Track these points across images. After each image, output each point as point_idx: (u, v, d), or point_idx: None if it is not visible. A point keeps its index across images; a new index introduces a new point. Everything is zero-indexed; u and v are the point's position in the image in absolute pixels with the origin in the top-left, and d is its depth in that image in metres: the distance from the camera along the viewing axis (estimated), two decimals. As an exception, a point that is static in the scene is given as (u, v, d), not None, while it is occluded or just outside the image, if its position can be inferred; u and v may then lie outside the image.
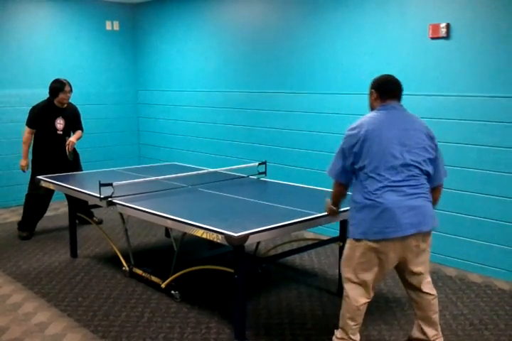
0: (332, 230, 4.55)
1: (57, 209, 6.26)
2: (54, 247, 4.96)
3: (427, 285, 2.87)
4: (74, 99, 5.34)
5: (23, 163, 5.23)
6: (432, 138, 2.77)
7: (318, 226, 3.70)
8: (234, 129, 6.17)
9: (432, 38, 4.31)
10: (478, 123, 4.14)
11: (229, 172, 4.79)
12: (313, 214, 3.24)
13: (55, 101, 5.15)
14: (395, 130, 2.68)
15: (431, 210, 2.74)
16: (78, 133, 5.41)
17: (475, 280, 4.15)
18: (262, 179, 4.58)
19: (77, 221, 4.90)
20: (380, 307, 3.64)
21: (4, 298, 3.80)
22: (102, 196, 3.71)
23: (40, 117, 5.13)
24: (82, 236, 5.19)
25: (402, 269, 2.84)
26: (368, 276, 2.76)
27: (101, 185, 3.69)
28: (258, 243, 4.33)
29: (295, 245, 4.50)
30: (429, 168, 2.73)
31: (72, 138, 5.26)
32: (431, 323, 2.90)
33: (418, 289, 2.86)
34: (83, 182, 4.70)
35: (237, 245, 2.87)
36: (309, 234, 5.22)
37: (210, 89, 6.44)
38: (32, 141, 5.22)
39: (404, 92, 4.49)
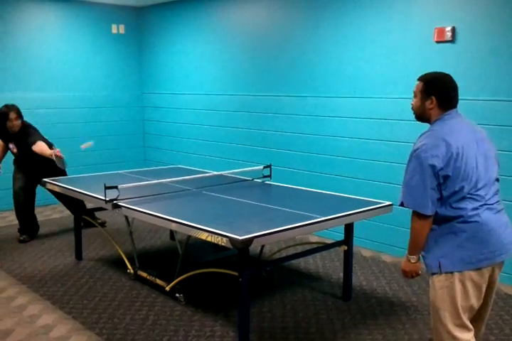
0: (337, 234, 4.54)
1: (62, 212, 6.28)
2: (59, 250, 4.98)
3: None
4: (80, 102, 5.34)
5: None
6: (493, 145, 2.52)
7: (323, 230, 3.69)
8: (239, 132, 6.17)
9: (437, 42, 4.31)
10: (483, 127, 4.11)
11: (234, 176, 4.79)
12: (317, 218, 3.23)
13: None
14: (473, 142, 2.35)
15: None
16: (39, 148, 4.84)
17: (480, 284, 4.13)
18: (266, 182, 4.58)
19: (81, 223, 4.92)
20: (384, 311, 3.63)
21: (9, 300, 3.82)
22: (107, 199, 3.72)
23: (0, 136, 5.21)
24: (87, 238, 5.20)
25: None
26: (470, 315, 2.39)
27: (106, 187, 3.70)
28: (262, 246, 4.33)
29: (299, 248, 4.49)
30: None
31: (53, 151, 4.67)
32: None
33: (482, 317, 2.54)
34: (88, 184, 4.71)
35: (241, 248, 2.87)
36: (314, 237, 5.22)
37: (215, 92, 6.46)
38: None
39: (409, 96, 4.49)
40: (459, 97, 2.52)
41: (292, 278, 4.30)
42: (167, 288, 3.79)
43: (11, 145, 5.19)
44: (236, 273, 3.14)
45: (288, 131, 5.62)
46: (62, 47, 6.79)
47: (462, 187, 2.28)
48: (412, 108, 2.52)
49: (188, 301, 3.77)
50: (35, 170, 5.20)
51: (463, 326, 2.35)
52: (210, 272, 3.68)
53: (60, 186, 4.43)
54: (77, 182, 4.68)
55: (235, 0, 6.04)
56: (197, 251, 4.60)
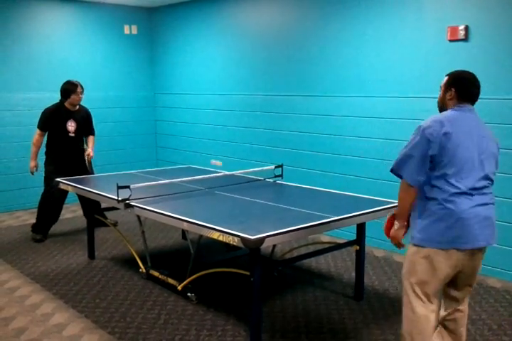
0: (348, 233, 4.53)
1: (75, 212, 6.32)
2: (72, 249, 5.01)
3: (467, 301, 2.74)
4: (92, 102, 5.39)
5: (31, 164, 5.28)
6: (498, 147, 2.65)
7: (335, 230, 3.68)
8: (250, 132, 6.18)
9: (451, 41, 4.28)
10: (496, 126, 4.09)
11: (245, 175, 4.79)
12: (329, 218, 3.22)
13: (67, 103, 5.20)
14: (474, 136, 2.50)
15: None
16: (91, 140, 5.44)
17: (494, 284, 4.10)
18: (278, 182, 4.58)
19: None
20: (397, 311, 3.61)
21: (23, 299, 3.85)
22: (119, 198, 3.73)
23: (51, 119, 5.19)
24: (100, 238, 5.23)
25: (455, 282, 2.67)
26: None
27: (119, 187, 3.72)
28: (274, 246, 4.33)
29: (311, 248, 4.49)
30: (494, 178, 2.60)
31: (91, 151, 5.33)
32: (457, 338, 2.75)
33: (458, 302, 2.70)
34: (101, 184, 4.74)
35: (253, 248, 2.87)
36: (325, 237, 5.21)
37: (227, 92, 6.47)
38: (45, 143, 5.29)
39: (423, 95, 4.46)
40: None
41: (304, 278, 4.29)
42: (179, 288, 3.81)
43: (69, 124, 5.20)
44: (248, 273, 3.14)
45: (300, 131, 5.61)
46: (75, 47, 6.84)
47: (445, 172, 2.44)
48: (437, 100, 2.70)
49: (199, 300, 3.78)
50: (75, 157, 5.28)
51: (422, 300, 2.54)
52: (221, 271, 3.68)
53: (73, 186, 4.46)
54: (89, 182, 4.72)
55: (247, 0, 6.05)
56: (209, 250, 4.61)
